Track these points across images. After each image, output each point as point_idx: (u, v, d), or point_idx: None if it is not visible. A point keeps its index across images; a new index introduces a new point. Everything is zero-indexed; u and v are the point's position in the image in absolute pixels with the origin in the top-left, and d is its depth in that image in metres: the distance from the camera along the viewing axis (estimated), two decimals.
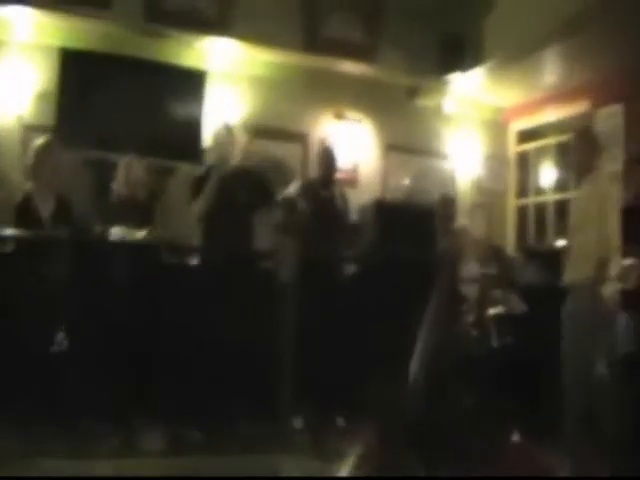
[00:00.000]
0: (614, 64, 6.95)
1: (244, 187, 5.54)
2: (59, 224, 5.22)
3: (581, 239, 4.94)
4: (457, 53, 7.67)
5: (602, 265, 4.80)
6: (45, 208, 5.28)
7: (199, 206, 5.48)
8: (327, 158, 6.22)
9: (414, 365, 5.16)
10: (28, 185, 5.37)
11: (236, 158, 5.91)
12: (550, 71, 7.60)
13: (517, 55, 7.19)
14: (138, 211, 5.62)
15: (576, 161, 5.32)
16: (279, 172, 6.78)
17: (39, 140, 5.49)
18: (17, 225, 5.19)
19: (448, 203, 6.11)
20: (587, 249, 4.87)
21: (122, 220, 5.45)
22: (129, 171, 5.76)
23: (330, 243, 5.72)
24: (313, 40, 7.47)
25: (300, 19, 7.45)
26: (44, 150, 5.39)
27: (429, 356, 5.15)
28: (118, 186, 5.75)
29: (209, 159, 6.13)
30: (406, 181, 7.98)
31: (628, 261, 5.61)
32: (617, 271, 5.53)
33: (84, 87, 6.92)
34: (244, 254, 5.54)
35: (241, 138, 6.24)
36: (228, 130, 5.85)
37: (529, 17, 6.73)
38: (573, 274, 4.95)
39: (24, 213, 5.21)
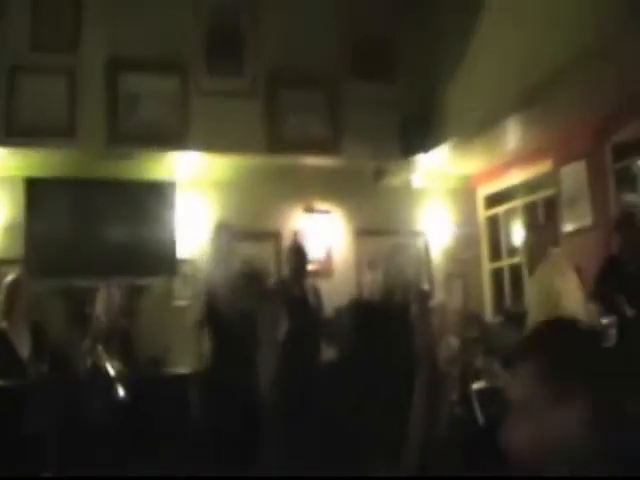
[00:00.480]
0: (573, 123, 7.11)
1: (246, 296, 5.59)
2: (39, 360, 5.21)
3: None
4: (419, 134, 7.83)
5: None
6: (22, 345, 5.31)
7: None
8: (296, 255, 6.26)
9: (407, 453, 5.21)
10: (3, 323, 5.43)
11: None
12: (512, 138, 7.74)
13: (479, 129, 7.36)
14: (119, 337, 5.66)
15: (527, 255, 5.40)
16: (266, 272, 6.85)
17: (8, 277, 5.58)
18: None
19: (424, 297, 6.18)
20: None
21: (104, 348, 5.46)
22: (109, 298, 5.81)
23: (306, 341, 5.77)
24: (275, 142, 7.61)
25: (260, 123, 7.60)
26: (13, 286, 5.47)
27: (419, 444, 5.21)
28: (98, 314, 5.79)
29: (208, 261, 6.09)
30: (378, 267, 8.04)
31: (605, 320, 5.72)
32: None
33: (51, 214, 7.01)
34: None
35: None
36: (227, 230, 5.91)
37: (487, 92, 6.92)
38: None
39: (1, 353, 5.25)
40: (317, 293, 6.12)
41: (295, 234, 8.02)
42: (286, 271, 6.21)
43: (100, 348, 5.43)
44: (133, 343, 5.77)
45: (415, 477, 5.09)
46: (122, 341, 5.63)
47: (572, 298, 4.87)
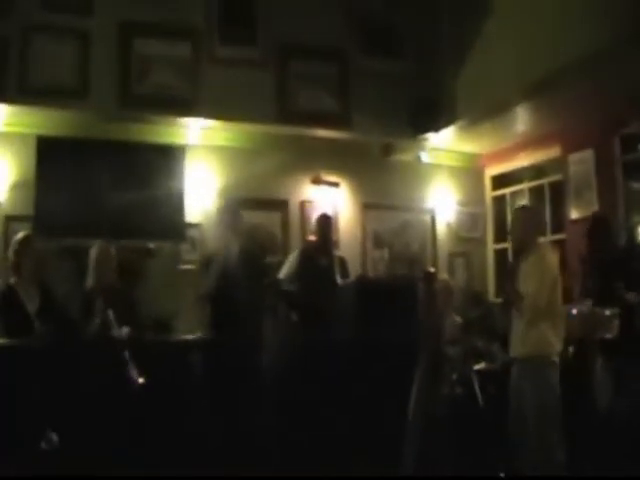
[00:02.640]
0: (583, 113, 7.14)
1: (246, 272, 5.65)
2: (45, 318, 5.22)
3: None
4: (429, 114, 7.85)
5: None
6: (30, 302, 5.33)
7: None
8: (325, 225, 6.37)
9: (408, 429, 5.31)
10: (12, 279, 5.46)
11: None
12: (521, 122, 7.77)
13: (489, 111, 7.39)
14: (117, 297, 5.64)
15: (515, 238, 5.43)
16: (272, 242, 6.92)
17: (19, 234, 5.60)
18: (4, 320, 5.25)
19: (430, 279, 6.23)
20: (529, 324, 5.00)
21: (104, 307, 5.44)
22: (100, 257, 5.79)
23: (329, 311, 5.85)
24: (285, 112, 7.63)
25: (271, 93, 7.61)
26: (24, 244, 5.49)
27: (420, 421, 5.30)
28: (90, 273, 5.77)
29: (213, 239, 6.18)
30: (384, 244, 8.09)
31: (608, 311, 5.77)
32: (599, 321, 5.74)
33: (62, 174, 6.98)
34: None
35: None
36: (232, 210, 5.98)
37: (498, 78, 6.94)
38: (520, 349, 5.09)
39: (10, 308, 5.28)
40: (343, 263, 6.19)
41: (301, 203, 8.10)
42: (314, 241, 6.28)
43: (108, 311, 5.40)
44: (134, 305, 5.75)
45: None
46: (122, 302, 5.60)
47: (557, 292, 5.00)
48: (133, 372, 5.16)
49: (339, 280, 6.05)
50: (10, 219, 7.02)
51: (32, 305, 5.32)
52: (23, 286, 5.39)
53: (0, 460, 4.61)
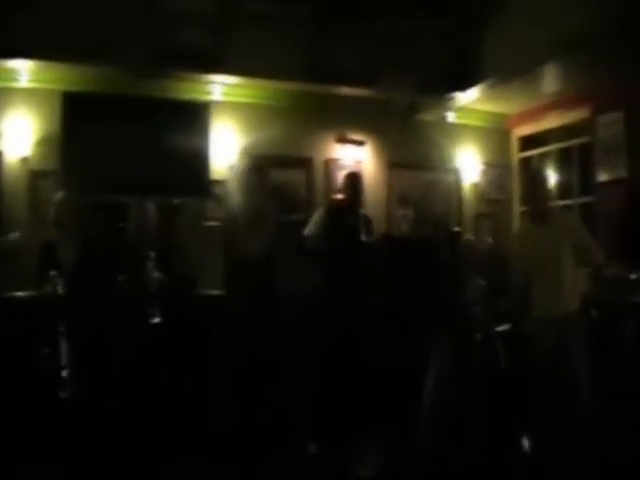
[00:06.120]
0: (614, 73, 7.00)
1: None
2: (82, 273, 5.23)
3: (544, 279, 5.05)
4: (457, 73, 7.76)
5: None
6: (68, 257, 5.34)
7: None
8: (354, 184, 6.32)
9: (426, 390, 5.32)
10: (52, 235, 5.49)
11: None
12: (550, 82, 7.63)
13: (517, 70, 7.25)
14: (156, 254, 5.62)
15: (530, 208, 5.39)
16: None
17: (60, 192, 5.61)
18: (40, 272, 5.29)
19: (454, 238, 6.19)
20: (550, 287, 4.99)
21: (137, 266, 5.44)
22: (142, 216, 5.79)
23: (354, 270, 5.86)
24: (312, 70, 7.54)
25: (297, 53, 7.50)
26: (65, 202, 5.51)
27: (439, 381, 5.31)
28: (132, 231, 5.78)
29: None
30: (409, 203, 8.04)
31: (634, 275, 5.74)
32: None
33: (86, 129, 6.99)
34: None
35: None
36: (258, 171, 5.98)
37: (527, 35, 6.84)
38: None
39: (47, 263, 5.31)
40: (368, 221, 6.17)
41: (326, 162, 8.03)
42: (341, 199, 6.26)
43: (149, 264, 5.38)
44: (171, 261, 5.76)
45: None
46: (160, 259, 5.59)
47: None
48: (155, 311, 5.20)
49: (364, 239, 6.02)
50: (36, 174, 7.06)
51: (70, 260, 5.35)
52: (63, 242, 5.41)
53: None
